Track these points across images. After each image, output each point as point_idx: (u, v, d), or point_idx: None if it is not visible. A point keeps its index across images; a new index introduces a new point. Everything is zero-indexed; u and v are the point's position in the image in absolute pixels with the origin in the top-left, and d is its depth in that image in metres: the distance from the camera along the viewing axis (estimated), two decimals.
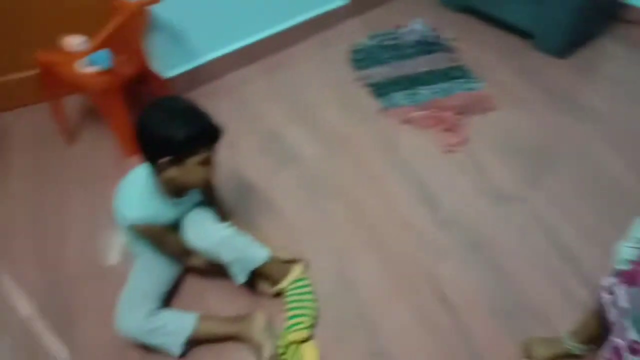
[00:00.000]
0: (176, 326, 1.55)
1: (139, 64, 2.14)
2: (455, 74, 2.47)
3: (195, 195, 1.68)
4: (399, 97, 2.39)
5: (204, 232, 1.60)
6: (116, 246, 1.90)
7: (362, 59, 2.62)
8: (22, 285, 1.82)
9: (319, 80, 2.56)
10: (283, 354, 1.53)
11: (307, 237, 1.86)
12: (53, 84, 2.14)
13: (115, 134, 2.15)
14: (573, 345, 1.42)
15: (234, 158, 2.17)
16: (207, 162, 1.49)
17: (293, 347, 1.54)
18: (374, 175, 2.08)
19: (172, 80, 2.43)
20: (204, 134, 1.45)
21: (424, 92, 2.40)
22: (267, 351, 1.50)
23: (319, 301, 1.67)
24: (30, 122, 2.45)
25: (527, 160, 2.08)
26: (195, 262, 1.68)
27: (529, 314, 1.61)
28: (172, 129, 1.41)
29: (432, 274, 1.73)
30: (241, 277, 1.60)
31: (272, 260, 1.63)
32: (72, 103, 2.44)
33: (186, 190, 1.61)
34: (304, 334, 1.55)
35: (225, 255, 1.57)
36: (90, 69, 2.03)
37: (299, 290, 1.65)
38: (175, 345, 1.54)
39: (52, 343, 1.65)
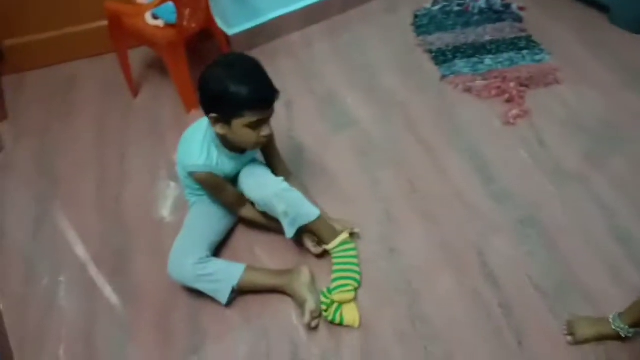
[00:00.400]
0: (225, 275, 1.62)
1: (204, 19, 2.18)
2: (521, 44, 2.38)
3: (253, 152, 1.73)
4: (460, 65, 2.33)
5: (262, 183, 1.65)
6: (172, 197, 1.98)
7: (425, 24, 2.56)
8: (81, 228, 1.93)
9: (380, 44, 2.53)
10: (326, 311, 1.57)
11: (358, 202, 1.88)
12: (120, 35, 2.21)
13: (177, 88, 2.22)
14: (620, 327, 1.39)
15: (290, 118, 2.20)
16: (255, 126, 1.51)
17: (335, 306, 1.58)
18: (429, 143, 2.06)
19: (235, 37, 2.46)
20: (250, 99, 1.45)
21: (487, 61, 2.33)
22: (310, 305, 1.55)
23: (365, 265, 1.69)
24: (99, 71, 2.55)
25: (591, 138, 2.00)
26: (248, 213, 1.74)
27: (577, 294, 1.58)
28: (219, 86, 1.44)
29: (480, 247, 1.71)
30: (291, 232, 1.64)
31: (323, 220, 1.66)
32: (139, 55, 2.52)
33: (241, 148, 1.65)
34: (348, 295, 1.59)
35: (279, 207, 1.61)
36: (155, 22, 2.09)
37: (346, 254, 1.68)
38: (222, 292, 1.61)
39: (105, 286, 1.76)
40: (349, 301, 1.59)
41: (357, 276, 1.64)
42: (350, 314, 1.57)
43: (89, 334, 1.64)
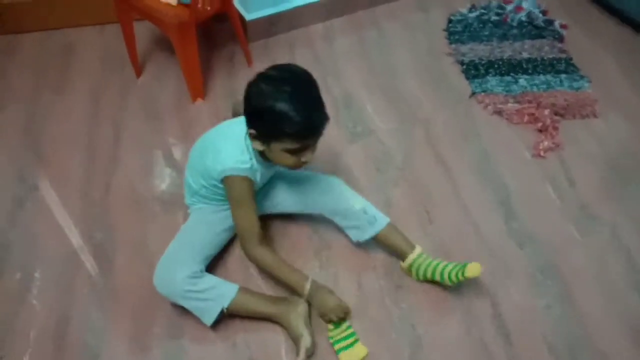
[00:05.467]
0: (215, 294, 1.46)
1: (221, 1, 1.98)
2: (560, 67, 2.20)
3: None
4: (493, 82, 2.15)
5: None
6: (165, 191, 1.82)
7: (459, 31, 2.37)
8: (63, 216, 1.77)
9: (407, 47, 2.34)
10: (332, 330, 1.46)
11: None
12: (126, 7, 2.00)
13: (184, 73, 2.03)
14: None
15: None
16: (295, 152, 1.33)
17: (349, 340, 1.45)
18: (449, 165, 1.90)
19: (253, 23, 2.27)
20: (294, 127, 1.27)
21: (522, 82, 2.15)
22: (306, 342, 1.41)
23: (367, 300, 1.56)
24: (100, 42, 2.36)
25: (624, 182, 1.85)
26: (265, 255, 1.49)
27: (591, 353, 1.44)
28: (263, 102, 1.27)
29: (494, 292, 1.57)
30: (369, 232, 1.59)
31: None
32: (146, 28, 2.32)
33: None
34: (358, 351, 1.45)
35: (356, 205, 1.58)
36: (170, 0, 1.89)
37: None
38: (210, 313, 1.46)
39: (83, 287, 1.61)
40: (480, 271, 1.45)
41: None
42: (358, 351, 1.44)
43: (60, 339, 1.49)
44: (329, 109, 2.08)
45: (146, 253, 1.66)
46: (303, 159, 1.36)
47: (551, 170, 1.88)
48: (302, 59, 2.24)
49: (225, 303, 1.45)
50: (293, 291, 1.48)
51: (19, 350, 1.47)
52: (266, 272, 1.53)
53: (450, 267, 1.50)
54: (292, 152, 1.33)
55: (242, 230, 1.46)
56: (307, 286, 1.44)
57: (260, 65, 2.21)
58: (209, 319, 1.46)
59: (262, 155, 1.44)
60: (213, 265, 1.60)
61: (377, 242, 1.61)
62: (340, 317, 1.45)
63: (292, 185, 1.63)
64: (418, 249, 1.56)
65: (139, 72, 2.20)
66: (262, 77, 1.31)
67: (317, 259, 1.64)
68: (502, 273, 1.61)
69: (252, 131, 1.33)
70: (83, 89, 2.16)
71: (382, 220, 1.58)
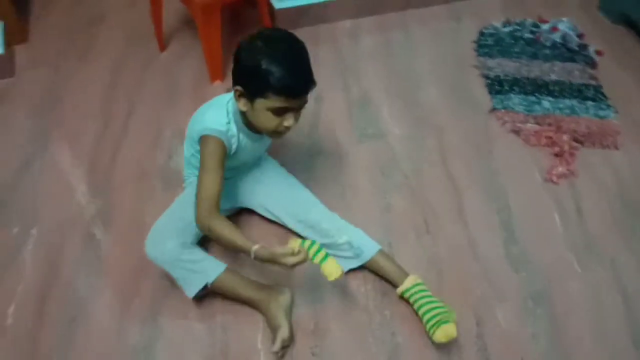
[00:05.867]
0: (203, 267, 1.46)
1: None
2: (588, 93, 2.13)
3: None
4: (515, 100, 2.09)
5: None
6: (169, 168, 1.84)
7: (490, 45, 2.32)
8: (68, 179, 1.82)
9: (433, 54, 2.30)
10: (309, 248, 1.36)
11: (359, 225, 1.64)
12: None
13: (205, 54, 2.05)
14: None
15: (316, 114, 2.02)
16: (279, 113, 1.35)
17: (321, 254, 1.36)
18: (456, 178, 1.86)
19: (281, 12, 2.27)
20: (279, 82, 1.29)
21: (546, 103, 2.09)
22: (284, 333, 1.40)
23: (349, 303, 1.54)
24: (130, 15, 2.41)
25: (636, 216, 1.76)
26: (221, 225, 1.41)
27: None
28: (252, 59, 1.31)
29: (481, 314, 1.52)
30: (353, 263, 1.57)
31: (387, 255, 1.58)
32: (175, 9, 2.34)
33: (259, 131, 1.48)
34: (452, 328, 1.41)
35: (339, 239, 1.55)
36: None
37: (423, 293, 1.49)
38: (194, 285, 1.45)
39: (75, 250, 1.64)
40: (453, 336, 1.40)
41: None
42: (330, 267, 1.36)
43: (44, 298, 1.53)
44: (344, 109, 2.08)
45: (141, 227, 1.66)
46: (285, 123, 1.37)
47: (561, 197, 1.82)
48: (325, 54, 2.23)
49: (210, 278, 1.45)
50: (244, 254, 1.37)
51: (4, 302, 1.52)
52: (220, 242, 1.47)
53: (431, 313, 1.44)
54: (275, 112, 1.34)
55: (202, 197, 1.38)
56: (255, 247, 1.33)
57: None
58: (191, 291, 1.46)
59: (247, 124, 1.45)
60: (202, 245, 1.60)
61: (366, 268, 1.59)
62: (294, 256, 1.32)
63: (281, 199, 1.64)
64: (408, 281, 1.49)
65: (162, 48, 2.23)
66: (256, 35, 1.35)
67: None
68: (492, 294, 1.57)
69: (238, 88, 1.35)
70: (106, 58, 2.21)
71: (369, 251, 1.55)
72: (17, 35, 2.21)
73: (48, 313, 1.50)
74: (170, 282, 1.54)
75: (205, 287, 1.46)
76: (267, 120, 1.36)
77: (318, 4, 2.31)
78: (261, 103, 1.33)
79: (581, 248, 1.69)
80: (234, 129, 1.45)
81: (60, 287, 1.55)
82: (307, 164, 1.83)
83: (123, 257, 1.62)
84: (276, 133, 1.41)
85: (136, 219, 1.70)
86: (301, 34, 2.31)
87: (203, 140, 1.42)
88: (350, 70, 2.20)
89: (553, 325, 1.51)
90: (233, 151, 1.46)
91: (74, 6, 2.40)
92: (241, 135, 1.47)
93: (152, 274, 1.57)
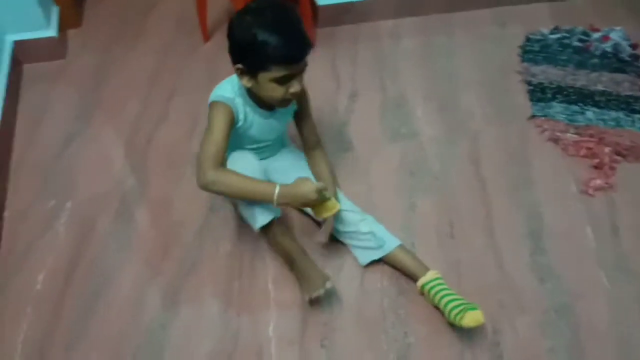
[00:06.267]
0: (261, 209, 1.47)
1: None
2: (636, 106, 2.03)
3: (285, 115, 1.58)
4: (557, 109, 2.02)
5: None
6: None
7: (535, 51, 2.25)
8: (104, 159, 1.90)
9: (475, 58, 2.25)
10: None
11: (384, 220, 1.62)
12: None
13: None
14: None
15: (349, 111, 2.00)
16: (283, 81, 1.36)
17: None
18: (487, 184, 1.81)
19: (324, 8, 2.27)
20: (278, 52, 1.30)
21: (589, 114, 2.01)
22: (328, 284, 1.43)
23: (364, 301, 1.53)
24: (180, 5, 2.47)
25: None
26: (230, 177, 1.42)
27: None
28: (245, 35, 1.31)
29: (499, 323, 1.48)
30: (374, 255, 1.58)
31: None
32: (220, 1, 2.40)
33: (271, 105, 1.50)
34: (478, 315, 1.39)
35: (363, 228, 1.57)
36: None
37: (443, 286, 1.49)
38: (263, 216, 1.46)
39: (105, 226, 1.70)
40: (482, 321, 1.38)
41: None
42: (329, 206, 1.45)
43: (72, 269, 1.60)
44: (378, 107, 2.08)
45: (169, 210, 1.74)
46: (291, 90, 1.38)
47: (596, 211, 1.75)
48: (364, 54, 2.22)
49: (276, 214, 1.49)
50: (264, 201, 1.43)
51: (35, 269, 1.60)
52: (231, 195, 1.46)
53: (455, 302, 1.42)
54: (279, 81, 1.35)
55: (202, 158, 1.36)
56: (276, 190, 1.37)
57: (322, 52, 2.26)
58: (261, 221, 1.46)
59: (254, 99, 1.47)
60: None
61: (385, 263, 1.59)
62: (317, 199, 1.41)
63: None
64: (430, 274, 1.49)
65: (207, 38, 2.28)
66: (241, 11, 1.36)
67: (324, 249, 1.62)
68: (513, 303, 1.52)
69: (239, 66, 1.37)
70: (154, 45, 2.29)
71: (391, 243, 1.55)
72: (71, 20, 2.32)
73: (74, 284, 1.57)
74: (192, 264, 1.59)
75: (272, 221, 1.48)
76: (274, 91, 1.38)
77: (361, 2, 2.31)
78: (264, 76, 1.35)
79: (612, 265, 1.62)
80: (240, 102, 1.47)
81: (87, 261, 1.62)
82: (334, 158, 1.82)
83: (149, 238, 1.67)
84: (285, 101, 1.43)
85: (165, 202, 1.75)
86: (342, 31, 2.36)
87: (210, 106, 1.45)
88: (389, 69, 2.18)
89: (574, 341, 1.45)
90: (241, 122, 1.47)
91: None
92: (248, 109, 1.48)
93: (175, 256, 1.62)
